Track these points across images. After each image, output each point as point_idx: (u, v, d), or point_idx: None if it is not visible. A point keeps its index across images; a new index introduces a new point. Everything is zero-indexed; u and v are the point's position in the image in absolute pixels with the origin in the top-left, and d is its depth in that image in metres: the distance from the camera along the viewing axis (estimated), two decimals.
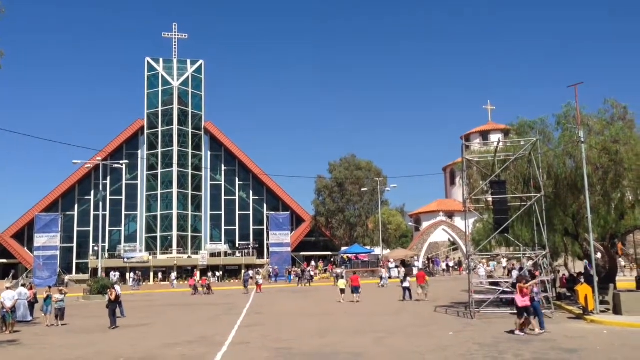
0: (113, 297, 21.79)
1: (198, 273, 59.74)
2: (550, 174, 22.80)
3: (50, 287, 24.75)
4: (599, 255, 25.22)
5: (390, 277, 44.54)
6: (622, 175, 21.17)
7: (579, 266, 28.35)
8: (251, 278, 46.00)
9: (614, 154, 20.89)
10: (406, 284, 30.19)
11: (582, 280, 22.29)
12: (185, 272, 61.51)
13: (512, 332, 16.67)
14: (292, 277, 54.78)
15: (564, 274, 27.23)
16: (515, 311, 20.35)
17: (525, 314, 16.60)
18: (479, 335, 16.46)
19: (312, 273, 53.44)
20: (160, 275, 60.75)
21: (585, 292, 20.24)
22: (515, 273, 25.42)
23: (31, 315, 24.43)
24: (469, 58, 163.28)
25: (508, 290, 22.46)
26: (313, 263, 61.69)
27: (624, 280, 26.67)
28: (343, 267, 53.26)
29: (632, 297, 20.44)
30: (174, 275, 56.57)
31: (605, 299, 21.46)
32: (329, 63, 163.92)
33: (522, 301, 16.44)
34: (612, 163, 21.05)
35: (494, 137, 51.12)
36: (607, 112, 22.64)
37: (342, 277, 35.28)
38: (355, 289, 29.98)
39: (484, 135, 70.47)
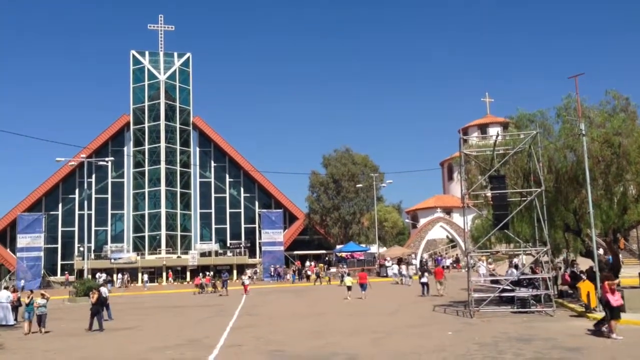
0: (94, 300, 21.13)
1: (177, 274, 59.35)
2: (551, 168, 22.49)
3: (32, 291, 23.51)
4: (601, 250, 24.84)
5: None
6: (625, 168, 20.93)
7: (581, 262, 28.05)
8: (229, 280, 44.49)
9: (617, 146, 20.68)
10: (424, 280, 30.79)
11: (585, 277, 21.84)
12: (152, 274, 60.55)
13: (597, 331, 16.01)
14: (295, 277, 52.96)
15: (565, 271, 26.92)
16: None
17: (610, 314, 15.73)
18: (478, 335, 16.22)
19: (309, 272, 52.69)
20: (125, 276, 58.56)
21: (587, 290, 19.97)
22: (514, 271, 25.06)
23: (15, 319, 23.74)
24: (467, 49, 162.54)
25: (509, 288, 22.01)
26: (308, 263, 60.89)
27: (627, 276, 26.37)
28: (343, 265, 52.42)
29: (635, 294, 20.04)
30: (146, 276, 55.16)
31: None
32: (321, 55, 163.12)
33: (615, 300, 15.70)
34: (614, 156, 20.81)
35: (493, 131, 50.67)
36: (608, 103, 22.41)
37: (349, 275, 35.30)
38: (363, 286, 30.44)
39: (483, 128, 70.03)
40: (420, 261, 55.78)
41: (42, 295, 21.30)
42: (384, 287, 39.34)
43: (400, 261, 52.14)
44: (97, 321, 20.87)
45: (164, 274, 60.11)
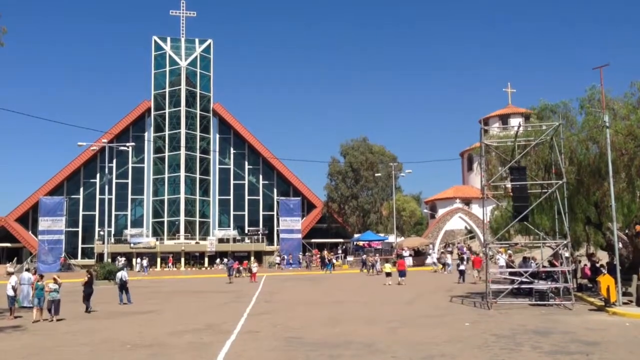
0: (85, 281, 22.02)
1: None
2: (573, 160, 22.23)
3: (41, 276, 21.27)
4: (621, 244, 24.51)
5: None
6: None
7: (601, 256, 27.72)
8: (234, 267, 43.40)
9: None
10: (462, 267, 32.60)
11: (605, 271, 21.57)
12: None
13: None
14: (330, 266, 50.66)
15: (585, 264, 26.59)
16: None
17: None
18: (495, 326, 16.13)
19: (334, 260, 52.79)
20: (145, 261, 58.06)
21: (607, 283, 19.66)
22: (533, 264, 24.85)
23: None
24: (488, 38, 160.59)
25: (527, 280, 21.81)
26: (326, 252, 60.95)
27: None
28: (374, 254, 52.42)
29: None
30: (145, 261, 54.84)
31: (628, 290, 20.89)
32: (342, 43, 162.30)
33: None
34: (638, 149, 20.54)
35: (514, 121, 50.22)
36: (633, 95, 22.10)
37: (387, 262, 36.90)
38: (402, 273, 32.01)
39: (504, 119, 69.43)
40: (442, 249, 55.88)
41: (55, 280, 19.70)
42: (413, 275, 39.11)
43: (416, 252, 52.36)
44: (85, 303, 21.45)
45: (182, 260, 60.60)
